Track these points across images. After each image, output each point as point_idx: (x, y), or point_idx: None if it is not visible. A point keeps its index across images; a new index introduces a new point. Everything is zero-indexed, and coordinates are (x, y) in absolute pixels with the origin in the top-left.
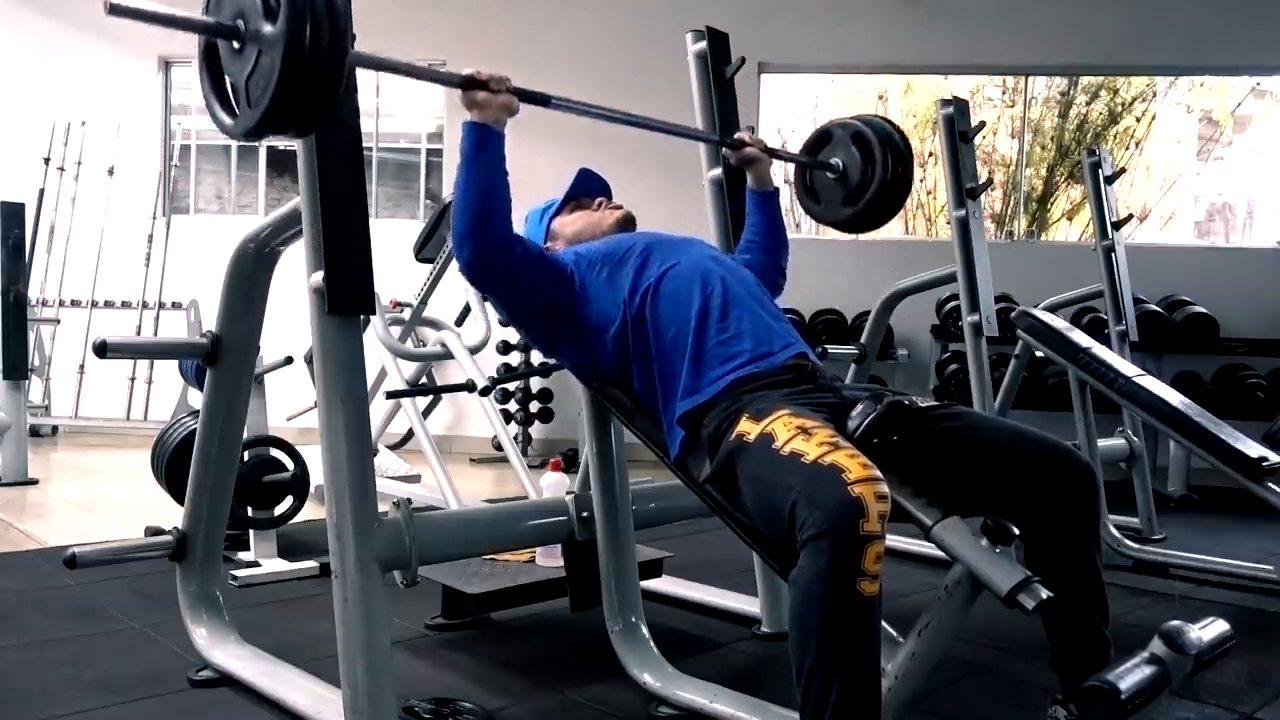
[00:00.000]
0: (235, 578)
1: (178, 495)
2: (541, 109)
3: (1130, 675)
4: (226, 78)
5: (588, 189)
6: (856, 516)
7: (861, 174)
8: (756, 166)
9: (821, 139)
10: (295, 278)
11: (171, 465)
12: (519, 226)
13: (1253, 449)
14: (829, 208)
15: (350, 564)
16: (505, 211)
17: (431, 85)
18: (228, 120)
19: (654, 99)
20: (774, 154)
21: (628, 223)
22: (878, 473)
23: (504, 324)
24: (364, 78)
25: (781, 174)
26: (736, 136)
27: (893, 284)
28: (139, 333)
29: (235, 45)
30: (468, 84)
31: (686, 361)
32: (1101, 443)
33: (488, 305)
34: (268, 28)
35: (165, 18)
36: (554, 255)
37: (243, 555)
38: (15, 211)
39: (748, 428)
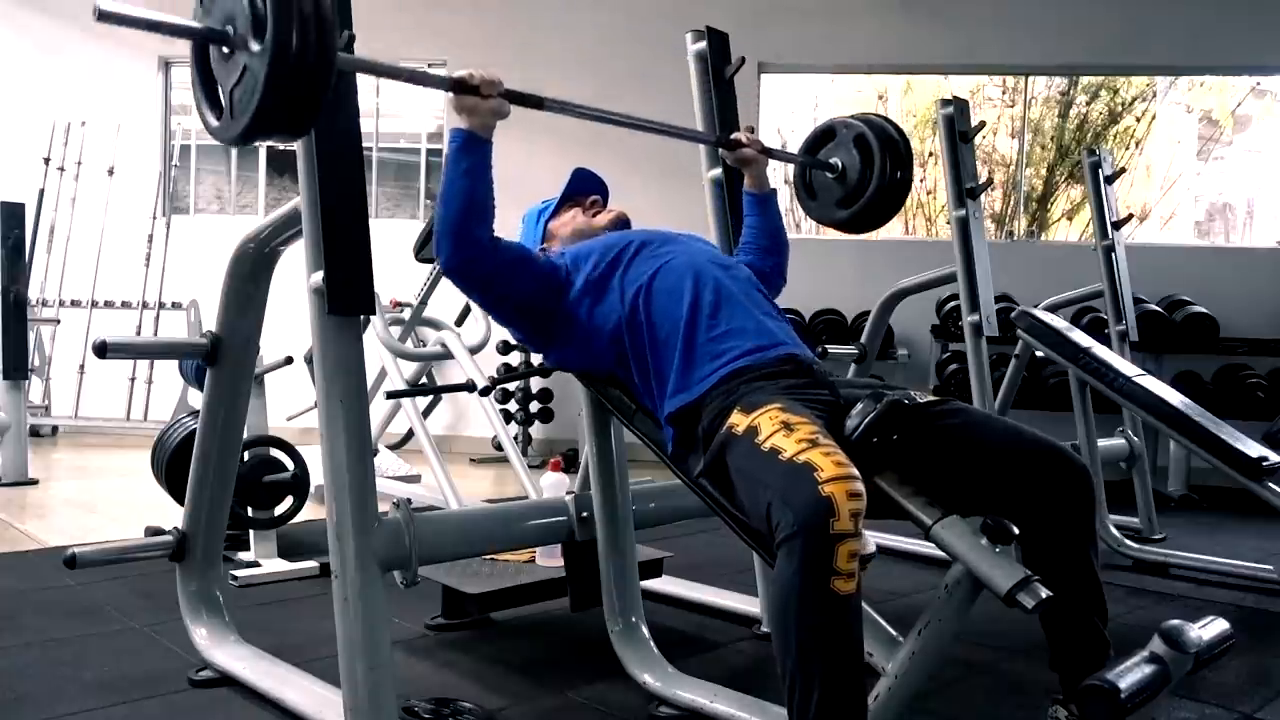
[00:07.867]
0: (235, 578)
1: (178, 495)
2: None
3: (1130, 674)
4: (217, 82)
5: (584, 189)
6: (827, 516)
7: (860, 175)
8: (753, 167)
9: (823, 136)
10: (295, 278)
11: (171, 465)
12: (518, 227)
13: (1253, 449)
14: (826, 207)
15: (350, 564)
16: (485, 216)
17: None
18: (216, 124)
19: (654, 99)
20: (771, 154)
21: (620, 223)
22: (853, 470)
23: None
24: (364, 77)
25: (781, 174)
26: (733, 137)
27: (893, 284)
28: (139, 333)
29: (224, 51)
30: (458, 87)
31: (677, 359)
32: (1101, 443)
33: None
34: (254, 34)
35: (154, 24)
36: (546, 257)
37: (243, 555)
38: (15, 211)
39: (738, 420)
